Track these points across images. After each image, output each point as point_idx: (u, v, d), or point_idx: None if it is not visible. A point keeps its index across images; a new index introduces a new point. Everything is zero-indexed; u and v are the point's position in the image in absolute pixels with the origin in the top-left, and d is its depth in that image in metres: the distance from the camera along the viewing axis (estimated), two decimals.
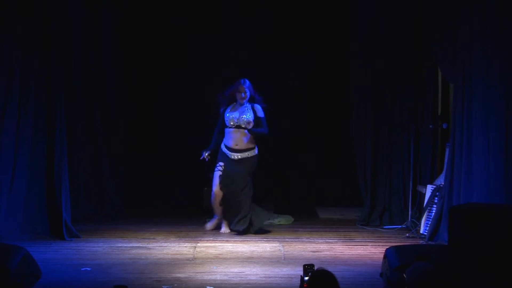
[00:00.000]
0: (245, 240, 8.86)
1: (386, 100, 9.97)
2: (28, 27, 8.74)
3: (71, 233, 8.83)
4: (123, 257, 8.00)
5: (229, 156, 9.07)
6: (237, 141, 9.04)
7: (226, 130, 9.09)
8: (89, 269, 7.40)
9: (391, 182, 9.97)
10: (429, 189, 9.24)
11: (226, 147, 9.09)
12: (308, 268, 5.12)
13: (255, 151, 9.16)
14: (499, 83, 7.68)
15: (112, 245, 8.57)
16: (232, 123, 9.02)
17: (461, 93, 8.32)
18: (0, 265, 6.13)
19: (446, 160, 8.87)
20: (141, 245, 8.58)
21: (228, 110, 9.11)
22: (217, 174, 9.13)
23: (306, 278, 5.09)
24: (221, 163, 9.09)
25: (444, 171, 8.91)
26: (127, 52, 10.68)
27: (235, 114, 9.04)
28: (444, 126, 9.61)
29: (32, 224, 8.83)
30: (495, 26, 7.67)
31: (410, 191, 9.69)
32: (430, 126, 9.75)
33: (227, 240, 8.86)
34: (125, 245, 8.60)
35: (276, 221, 10.08)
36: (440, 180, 9.08)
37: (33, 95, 8.81)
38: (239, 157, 9.06)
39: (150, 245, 8.58)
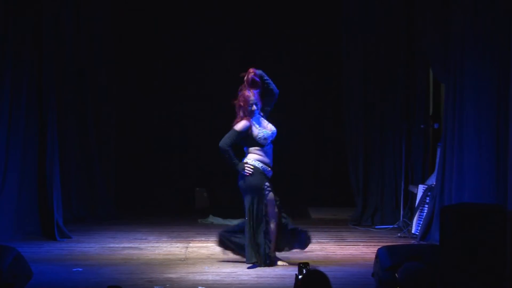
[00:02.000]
0: None
1: (377, 100, 9.99)
2: (20, 28, 8.73)
3: (62, 233, 8.81)
4: (115, 257, 7.98)
5: (269, 175, 7.65)
6: (273, 156, 7.70)
7: (261, 148, 7.60)
8: (80, 269, 7.39)
9: (383, 182, 9.98)
10: (420, 189, 9.26)
11: (267, 164, 7.62)
12: (303, 266, 5.12)
13: None
14: (490, 83, 7.69)
15: (103, 245, 8.55)
16: (269, 141, 7.64)
17: (453, 93, 8.34)
18: None
19: (437, 160, 8.89)
20: (132, 246, 8.56)
21: (257, 127, 7.61)
22: (272, 195, 7.63)
23: (301, 276, 5.09)
24: (267, 183, 7.61)
25: (435, 171, 8.92)
26: (119, 53, 10.67)
27: (266, 130, 7.65)
28: (436, 126, 9.63)
29: (23, 225, 8.82)
30: (487, 26, 7.69)
31: (402, 191, 9.70)
32: (422, 126, 9.76)
33: None
34: (117, 245, 8.59)
35: None
36: (432, 180, 9.09)
37: (25, 96, 8.80)
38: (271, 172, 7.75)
39: (142, 246, 8.57)
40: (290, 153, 11.46)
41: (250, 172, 7.54)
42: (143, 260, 7.85)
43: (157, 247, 8.53)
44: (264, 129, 7.65)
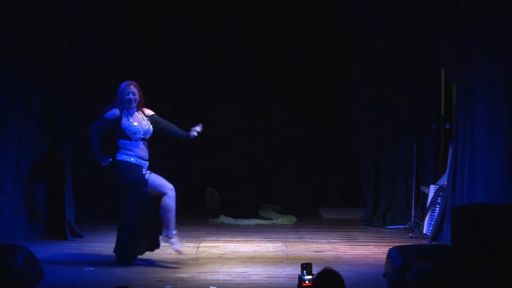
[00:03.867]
0: (248, 240, 8.86)
1: (388, 100, 9.95)
2: (29, 29, 8.76)
3: (74, 233, 8.83)
4: None
5: (145, 166, 7.68)
6: (147, 151, 7.71)
7: (130, 142, 7.55)
8: (92, 269, 7.40)
9: (394, 182, 9.96)
10: (432, 189, 9.24)
11: (142, 158, 7.65)
12: (305, 266, 5.12)
13: None
14: (502, 82, 7.68)
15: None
16: (140, 136, 7.59)
17: (464, 93, 8.31)
18: (3, 264, 6.15)
19: (449, 160, 8.86)
20: None
21: (128, 119, 7.54)
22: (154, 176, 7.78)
23: (306, 277, 5.10)
24: (144, 171, 7.71)
25: (447, 171, 8.90)
26: (127, 52, 10.67)
27: (139, 126, 7.59)
28: (447, 126, 9.59)
29: (35, 224, 8.84)
30: (498, 26, 7.67)
31: (413, 191, 9.67)
32: (433, 126, 9.73)
33: (230, 240, 8.86)
34: None
35: (279, 221, 10.10)
36: (443, 180, 9.07)
37: (36, 96, 8.85)
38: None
39: None
40: (301, 153, 11.46)
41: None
42: (154, 260, 7.85)
43: (168, 246, 8.50)
44: (136, 123, 7.55)
